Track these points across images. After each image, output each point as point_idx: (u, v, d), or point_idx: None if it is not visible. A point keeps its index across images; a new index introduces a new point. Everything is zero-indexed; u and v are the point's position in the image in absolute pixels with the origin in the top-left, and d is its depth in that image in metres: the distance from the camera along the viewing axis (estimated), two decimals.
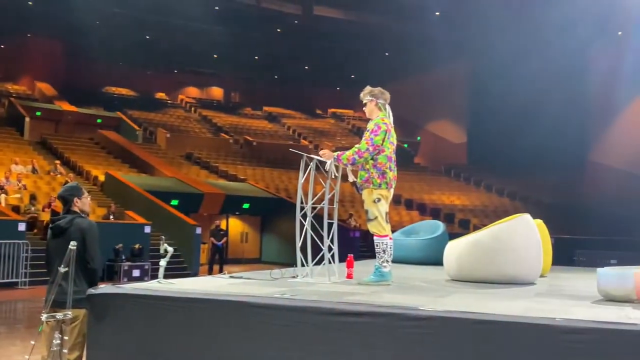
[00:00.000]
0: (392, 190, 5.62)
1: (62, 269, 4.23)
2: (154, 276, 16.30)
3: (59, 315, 4.19)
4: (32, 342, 4.23)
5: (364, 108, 5.82)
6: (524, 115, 27.94)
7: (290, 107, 41.05)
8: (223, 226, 23.32)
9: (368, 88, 5.77)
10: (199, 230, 18.12)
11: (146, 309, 4.10)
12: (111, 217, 17.65)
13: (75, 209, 4.77)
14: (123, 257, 15.73)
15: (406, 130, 37.35)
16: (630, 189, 24.87)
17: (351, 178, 5.83)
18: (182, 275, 17.39)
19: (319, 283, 5.36)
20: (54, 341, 4.07)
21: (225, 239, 18.75)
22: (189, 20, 29.21)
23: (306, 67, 37.30)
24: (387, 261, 5.43)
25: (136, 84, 37.96)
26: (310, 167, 5.78)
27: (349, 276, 5.92)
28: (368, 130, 5.52)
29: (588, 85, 28.14)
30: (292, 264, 21.21)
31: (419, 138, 36.73)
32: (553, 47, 26.75)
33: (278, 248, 24.02)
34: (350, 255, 6.15)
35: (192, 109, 38.56)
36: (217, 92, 42.26)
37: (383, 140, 5.45)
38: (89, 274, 4.64)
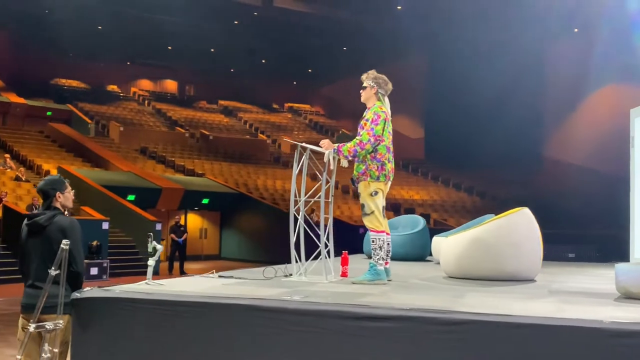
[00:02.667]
0: (389, 184, 5.35)
1: (52, 272, 3.80)
2: (113, 274, 15.74)
3: (49, 325, 3.74)
4: (19, 358, 3.77)
5: (361, 91, 5.47)
6: (482, 111, 28.12)
7: (246, 101, 40.49)
8: (182, 222, 22.81)
9: (373, 73, 5.44)
10: (159, 227, 17.55)
11: (141, 315, 3.72)
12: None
13: (57, 204, 4.32)
14: None
15: None
16: (587, 184, 25.31)
17: (330, 163, 5.41)
18: (142, 273, 16.81)
19: (318, 282, 5.06)
20: (43, 355, 3.63)
21: (185, 235, 18.24)
22: (143, 10, 28.37)
23: (263, 61, 36.78)
24: (383, 259, 5.16)
25: (87, 76, 36.80)
26: (303, 159, 5.43)
27: (344, 274, 5.64)
28: (367, 120, 5.19)
29: (546, 82, 28.55)
30: (252, 260, 20.86)
31: None
32: (511, 43, 26.99)
33: (238, 244, 23.58)
34: (345, 252, 5.86)
35: (146, 102, 37.62)
36: (171, 85, 41.35)
37: (383, 130, 5.16)
38: (72, 277, 4.20)
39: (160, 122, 34.23)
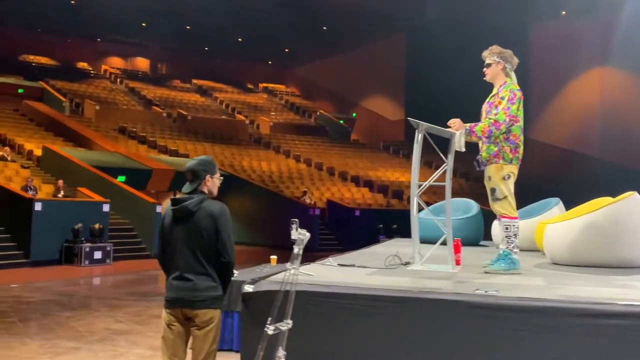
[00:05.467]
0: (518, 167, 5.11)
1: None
2: (116, 258, 15.18)
3: (283, 326, 3.28)
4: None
5: (485, 70, 5.18)
6: (463, 93, 28.07)
7: (220, 80, 39.70)
8: None
9: (497, 47, 5.16)
10: (159, 209, 16.97)
11: (320, 308, 3.38)
12: (60, 194, 16.19)
13: (204, 189, 3.93)
14: (83, 238, 14.43)
15: (341, 107, 37.08)
16: (568, 166, 25.65)
17: (463, 148, 5.11)
18: (143, 257, 16.30)
19: (447, 271, 4.82)
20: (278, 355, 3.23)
21: None
22: None
23: (239, 40, 36.00)
24: (517, 246, 4.93)
25: (56, 52, 35.48)
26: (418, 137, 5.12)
27: (457, 262, 5.40)
28: (503, 98, 4.91)
29: (528, 63, 28.70)
30: (245, 243, 20.36)
31: (354, 114, 36.45)
32: (494, 23, 27.00)
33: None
34: (457, 239, 5.61)
35: (118, 80, 36.47)
36: (142, 63, 40.19)
37: (517, 109, 4.89)
38: (223, 267, 3.84)
39: (135, 101, 33.26)
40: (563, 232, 5.65)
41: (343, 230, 20.82)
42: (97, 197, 16.05)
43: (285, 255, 5.71)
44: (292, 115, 37.17)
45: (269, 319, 2.85)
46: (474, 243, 8.83)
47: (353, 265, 4.99)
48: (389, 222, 20.36)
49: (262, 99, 39.17)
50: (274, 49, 37.52)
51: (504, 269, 4.79)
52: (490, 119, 4.85)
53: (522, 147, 4.98)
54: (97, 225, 14.82)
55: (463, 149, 4.96)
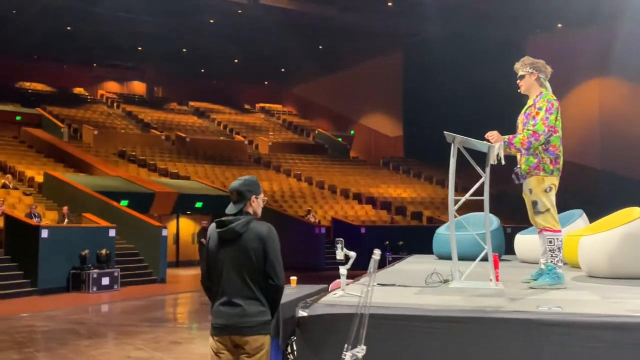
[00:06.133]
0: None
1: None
2: (123, 283, 14.96)
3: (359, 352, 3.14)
4: None
5: (518, 81, 5.09)
6: (460, 108, 28.19)
7: (216, 101, 39.72)
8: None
9: (529, 59, 5.06)
10: (165, 232, 16.80)
11: (384, 332, 3.25)
12: (65, 220, 16.01)
13: (249, 209, 3.81)
14: (90, 265, 14.24)
15: (339, 124, 37.09)
16: (569, 177, 25.61)
17: (502, 161, 4.99)
18: (149, 282, 16.10)
19: (490, 288, 4.70)
20: None
21: None
22: (114, 10, 27.25)
23: (235, 61, 36.07)
24: (562, 261, 4.81)
25: (52, 78, 35.49)
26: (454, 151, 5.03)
27: (497, 278, 5.28)
28: (540, 109, 4.82)
29: None
30: None
31: (352, 132, 36.45)
32: (489, 38, 27.14)
33: None
34: (495, 255, 5.48)
35: (115, 104, 36.40)
36: (138, 87, 40.21)
37: (556, 120, 4.81)
38: (272, 291, 3.70)
39: (133, 125, 33.17)
40: (600, 244, 5.55)
41: (349, 249, 20.59)
42: (102, 223, 15.87)
43: (298, 275, 5.58)
44: (290, 134, 37.15)
45: (345, 345, 2.71)
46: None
47: (394, 285, 4.87)
48: (395, 239, 20.24)
49: (259, 119, 39.15)
50: (270, 69, 37.62)
51: (549, 284, 4.67)
52: (529, 130, 4.76)
53: (562, 157, 4.88)
54: (103, 251, 14.63)
55: (503, 162, 4.84)
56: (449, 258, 8.97)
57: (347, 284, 4.41)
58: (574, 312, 3.18)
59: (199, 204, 21.81)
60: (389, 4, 24.89)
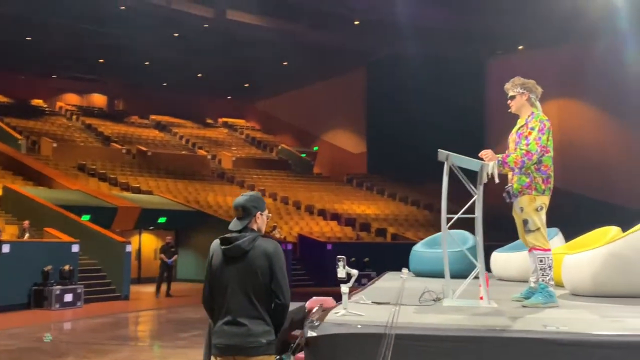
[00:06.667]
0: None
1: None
2: (87, 300, 14.57)
3: None
4: None
5: (509, 102, 5.17)
6: (423, 125, 28.56)
7: (179, 115, 39.32)
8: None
9: (520, 79, 5.14)
10: (129, 248, 16.47)
11: (408, 353, 3.22)
12: (26, 235, 15.56)
13: (254, 226, 3.75)
14: (53, 281, 13.84)
15: (302, 140, 37.13)
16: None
17: (496, 179, 5.05)
18: (113, 298, 15.72)
19: (483, 306, 4.72)
20: None
21: (175, 256, 17.56)
22: (75, 21, 26.78)
23: (199, 75, 35.82)
24: (552, 279, 4.87)
25: (9, 89, 34.55)
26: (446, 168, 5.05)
27: (481, 297, 5.31)
28: (533, 129, 4.90)
29: (486, 97, 29.39)
30: None
31: (316, 148, 36.53)
32: (451, 58, 27.64)
33: (195, 265, 22.60)
34: (486, 273, 5.51)
35: (74, 117, 35.71)
36: (98, 99, 39.53)
37: (548, 140, 4.89)
38: (277, 310, 3.64)
39: (93, 138, 32.59)
40: (585, 263, 5.64)
41: (316, 265, 20.61)
42: (65, 238, 15.48)
43: None
44: (253, 149, 37.01)
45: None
46: (465, 276, 8.76)
47: (388, 303, 4.84)
48: (361, 255, 20.28)
49: (222, 134, 38.91)
50: (233, 84, 37.44)
51: (542, 303, 4.71)
52: (522, 149, 4.83)
53: (553, 177, 4.96)
54: (67, 267, 14.25)
55: (497, 180, 4.89)
56: (427, 275, 9.06)
57: (332, 305, 4.36)
58: (583, 332, 3.21)
59: (162, 219, 21.49)
60: (356, 22, 25.11)
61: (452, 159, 5.10)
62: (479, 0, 23.13)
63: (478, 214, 5.05)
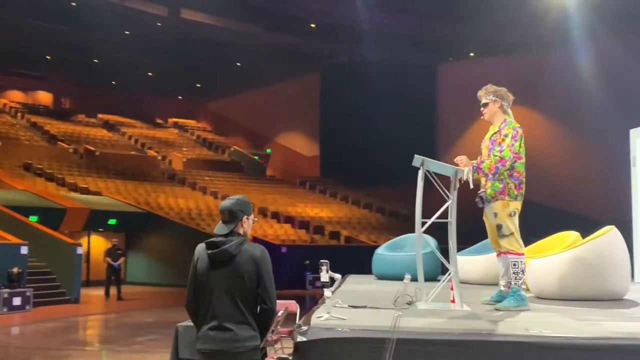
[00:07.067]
0: None
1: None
2: (36, 304, 14.12)
3: None
4: None
5: (482, 109, 5.27)
6: (376, 129, 28.85)
7: (128, 115, 38.55)
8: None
9: (492, 87, 5.26)
10: (79, 250, 16.06)
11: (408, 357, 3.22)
12: None
13: (240, 230, 3.71)
14: (0, 284, 13.37)
15: (255, 142, 36.96)
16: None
17: (469, 184, 5.13)
18: (63, 302, 15.30)
19: (457, 310, 4.80)
20: None
21: (122, 259, 17.18)
22: (21, 16, 25.95)
23: (149, 74, 35.21)
24: (524, 282, 4.99)
25: None
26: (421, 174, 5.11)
27: (453, 300, 5.39)
28: (506, 136, 5.00)
29: (437, 102, 29.89)
30: (163, 284, 19.80)
31: (268, 150, 36.41)
32: (405, 65, 28.00)
33: (147, 267, 22.26)
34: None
35: (18, 114, 34.63)
36: (44, 97, 38.46)
37: (520, 146, 5.01)
38: (263, 315, 3.62)
39: (38, 137, 31.64)
40: (551, 267, 5.78)
41: (272, 268, 20.47)
42: (13, 239, 14.96)
43: None
44: (205, 151, 36.62)
45: None
46: (433, 278, 8.88)
47: (365, 307, 4.86)
48: (315, 258, 20.18)
49: (172, 134, 38.37)
50: (185, 83, 36.93)
51: (514, 306, 4.82)
52: (495, 156, 4.92)
53: (524, 183, 5.07)
54: (15, 270, 13.80)
55: (472, 186, 4.99)
56: (390, 278, 9.13)
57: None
58: (569, 335, 3.30)
59: (112, 221, 21.03)
60: (312, 25, 25.15)
61: (427, 164, 5.16)
62: (433, 6, 23.44)
63: (452, 218, 5.12)
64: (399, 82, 27.71)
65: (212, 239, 3.69)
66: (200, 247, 3.73)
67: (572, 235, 6.86)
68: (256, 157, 35.61)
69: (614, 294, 5.66)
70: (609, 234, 5.79)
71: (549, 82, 23.53)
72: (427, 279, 8.94)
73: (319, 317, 3.95)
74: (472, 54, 27.15)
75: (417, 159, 5.10)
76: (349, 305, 4.89)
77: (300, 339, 3.32)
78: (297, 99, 33.43)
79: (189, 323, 6.28)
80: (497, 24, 22.31)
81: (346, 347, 3.31)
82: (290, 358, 4.61)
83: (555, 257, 5.83)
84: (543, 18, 20.48)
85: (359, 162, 29.19)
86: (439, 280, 9.10)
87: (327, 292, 4.08)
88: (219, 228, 3.72)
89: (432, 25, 25.41)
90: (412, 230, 12.57)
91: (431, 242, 9.34)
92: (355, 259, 15.59)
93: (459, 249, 9.45)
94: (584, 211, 21.18)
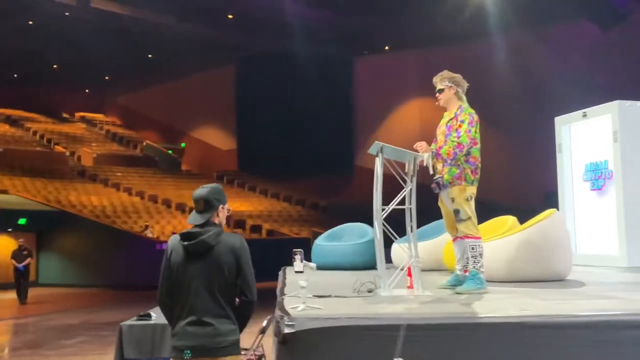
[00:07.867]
0: None
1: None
2: None
3: None
4: None
5: (437, 95, 5.31)
6: (292, 122, 28.90)
7: (31, 109, 36.70)
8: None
9: (447, 73, 5.32)
10: None
11: (383, 344, 3.19)
12: None
13: (216, 220, 3.56)
14: None
15: (168, 136, 36.11)
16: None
17: (431, 170, 5.16)
18: None
19: (419, 296, 4.84)
20: None
21: (28, 260, 16.25)
22: None
23: (55, 66, 33.61)
24: (483, 265, 5.07)
25: None
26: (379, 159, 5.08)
27: (410, 286, 5.42)
28: (463, 122, 5.05)
29: (353, 94, 30.23)
30: (78, 285, 19.18)
31: (183, 144, 35.66)
32: (321, 57, 28.09)
33: (60, 268, 21.29)
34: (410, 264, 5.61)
35: None
36: None
37: (476, 132, 5.09)
38: (244, 307, 3.49)
39: None
40: (500, 250, 5.93)
41: None
42: None
43: (141, 294, 5.29)
44: (115, 146, 35.40)
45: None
46: (372, 267, 8.94)
47: (330, 296, 4.80)
48: None
49: (80, 129, 36.86)
50: (92, 76, 35.46)
51: (475, 289, 4.89)
52: (453, 141, 4.98)
53: (480, 168, 5.16)
54: None
55: (431, 171, 5.03)
56: (330, 268, 9.11)
57: None
58: (557, 314, 3.38)
59: (22, 220, 19.98)
60: (229, 16, 24.74)
61: (386, 151, 5.14)
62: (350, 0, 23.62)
63: (412, 204, 5.14)
64: (316, 74, 27.76)
65: (187, 230, 3.53)
66: (174, 239, 3.56)
67: (510, 219, 7.06)
68: (170, 152, 34.79)
69: (558, 274, 5.88)
70: (553, 217, 6.00)
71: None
72: (367, 267, 9.04)
73: (295, 307, 3.85)
74: (387, 48, 27.58)
75: (376, 146, 5.07)
76: (313, 295, 4.81)
77: (288, 330, 3.22)
78: (212, 91, 32.91)
79: (133, 322, 6.06)
80: (413, 18, 22.75)
81: (334, 336, 3.24)
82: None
83: (502, 240, 5.97)
84: (459, 12, 21.02)
85: (277, 155, 29.11)
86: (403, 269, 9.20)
87: (302, 282, 3.99)
88: (193, 218, 3.56)
89: (349, 19, 25.59)
90: (333, 222, 12.55)
91: (369, 230, 9.44)
92: (280, 252, 15.47)
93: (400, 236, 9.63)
94: (505, 200, 21.91)
